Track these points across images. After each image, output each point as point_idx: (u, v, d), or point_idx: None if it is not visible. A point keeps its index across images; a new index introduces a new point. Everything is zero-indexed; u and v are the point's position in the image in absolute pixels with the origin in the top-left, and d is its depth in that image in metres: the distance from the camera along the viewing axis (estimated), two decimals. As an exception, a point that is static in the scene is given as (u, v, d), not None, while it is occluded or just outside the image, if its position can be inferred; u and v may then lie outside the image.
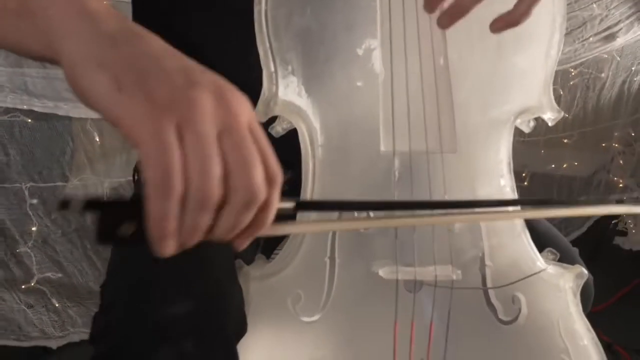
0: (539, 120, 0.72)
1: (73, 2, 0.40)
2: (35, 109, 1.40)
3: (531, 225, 0.71)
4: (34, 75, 1.37)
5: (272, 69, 0.64)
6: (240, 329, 0.60)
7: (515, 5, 0.57)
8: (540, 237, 0.73)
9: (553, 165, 2.18)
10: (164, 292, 0.56)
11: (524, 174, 2.08)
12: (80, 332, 1.58)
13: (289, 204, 0.44)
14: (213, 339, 0.56)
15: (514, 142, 0.69)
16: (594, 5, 1.95)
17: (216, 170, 0.37)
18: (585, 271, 0.68)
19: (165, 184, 0.36)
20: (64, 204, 0.40)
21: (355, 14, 0.65)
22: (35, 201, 1.48)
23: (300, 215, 0.60)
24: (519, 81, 0.67)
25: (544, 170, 2.16)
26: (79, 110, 1.44)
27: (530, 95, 0.68)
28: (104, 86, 0.37)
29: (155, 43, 0.40)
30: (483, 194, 0.66)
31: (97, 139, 1.49)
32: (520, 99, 0.67)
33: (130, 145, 0.39)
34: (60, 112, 1.42)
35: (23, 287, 1.53)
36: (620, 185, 2.28)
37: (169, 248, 0.39)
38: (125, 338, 0.54)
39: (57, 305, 1.57)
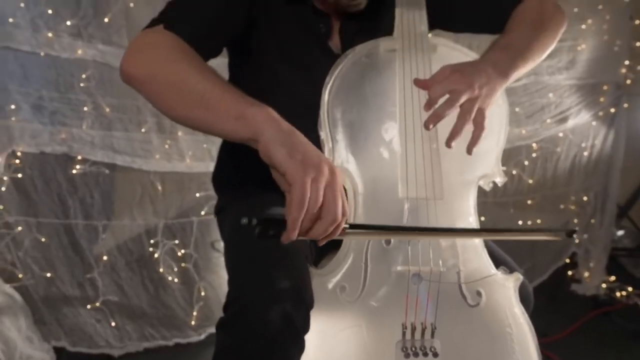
0: (506, 185, 1.12)
1: (267, 115, 0.83)
2: (117, 162, 1.76)
3: (491, 251, 1.10)
4: (119, 137, 1.74)
5: (331, 146, 1.02)
6: (311, 303, 0.97)
7: (473, 133, 0.99)
8: (497, 260, 1.12)
9: (520, 222, 2.41)
10: (272, 274, 0.93)
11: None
12: (135, 345, 1.86)
13: (346, 225, 0.86)
14: (300, 305, 0.93)
15: (488, 204, 1.08)
16: (550, 95, 2.38)
17: (320, 203, 0.79)
18: (522, 276, 1.07)
19: (302, 204, 0.78)
20: (249, 221, 0.79)
21: (384, 113, 1.04)
22: (104, 236, 1.84)
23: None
24: (480, 158, 1.07)
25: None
26: (148, 165, 1.81)
27: (487, 167, 1.08)
28: (283, 155, 0.80)
29: (304, 139, 0.83)
30: (459, 225, 1.06)
31: (160, 187, 1.85)
32: (481, 169, 1.08)
33: (287, 183, 0.80)
34: (135, 166, 1.78)
35: (89, 307, 1.85)
36: (576, 242, 2.60)
37: (294, 235, 0.79)
38: (250, 302, 0.90)
39: (114, 324, 1.87)
